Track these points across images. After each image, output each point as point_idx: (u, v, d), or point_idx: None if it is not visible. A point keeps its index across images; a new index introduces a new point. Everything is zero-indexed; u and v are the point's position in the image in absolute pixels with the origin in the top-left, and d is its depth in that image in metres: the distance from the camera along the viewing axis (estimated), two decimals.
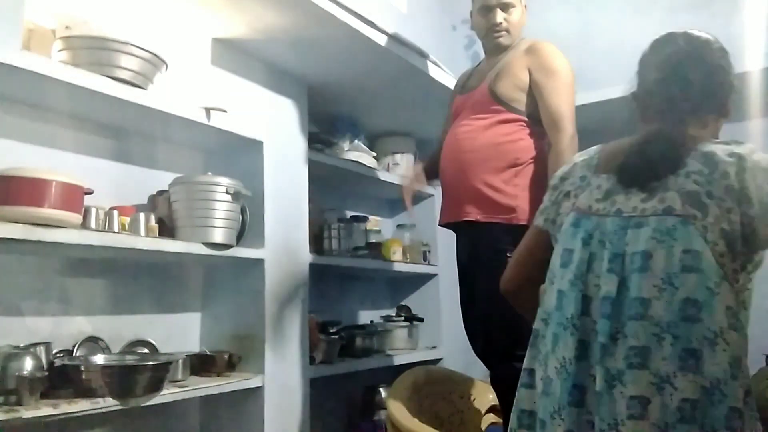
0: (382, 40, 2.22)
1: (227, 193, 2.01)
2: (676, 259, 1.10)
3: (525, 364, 1.28)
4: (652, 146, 1.21)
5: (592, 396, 1.13)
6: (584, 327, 1.16)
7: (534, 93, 1.96)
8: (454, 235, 2.12)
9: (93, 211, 1.73)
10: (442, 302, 3.20)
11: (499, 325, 1.86)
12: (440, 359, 3.10)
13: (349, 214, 3.06)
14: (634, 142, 1.25)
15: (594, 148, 1.35)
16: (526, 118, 1.97)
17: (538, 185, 1.89)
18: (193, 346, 2.23)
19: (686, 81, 1.24)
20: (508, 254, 1.83)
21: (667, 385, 1.06)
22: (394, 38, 2.28)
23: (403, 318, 3.11)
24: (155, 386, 1.70)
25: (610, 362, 1.11)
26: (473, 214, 1.95)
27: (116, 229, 1.78)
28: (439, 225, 2.14)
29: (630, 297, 1.12)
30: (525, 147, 1.95)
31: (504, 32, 2.04)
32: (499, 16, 2.02)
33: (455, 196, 2.03)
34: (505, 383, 1.84)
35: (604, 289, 1.15)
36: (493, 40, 2.06)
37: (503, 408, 1.93)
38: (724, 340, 1.07)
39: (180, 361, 1.90)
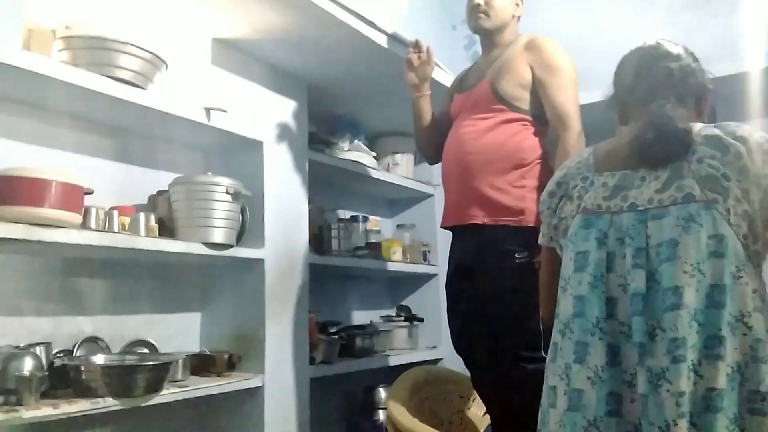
0: (382, 40, 2.22)
1: (227, 193, 2.01)
2: (703, 245, 1.09)
3: (549, 382, 1.22)
4: (657, 131, 1.19)
5: (629, 402, 1.09)
6: (612, 330, 1.13)
7: (537, 91, 1.92)
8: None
9: (93, 211, 1.73)
10: (442, 302, 3.16)
11: (507, 327, 1.83)
12: (440, 359, 3.10)
13: (349, 214, 3.06)
14: (635, 134, 1.23)
15: (585, 151, 1.35)
16: (530, 117, 1.93)
17: (546, 185, 1.88)
18: (193, 346, 2.22)
19: (663, 70, 1.25)
20: (517, 256, 1.83)
21: (692, 374, 1.04)
22: (394, 38, 2.28)
23: (403, 318, 3.11)
24: (155, 386, 1.70)
25: (651, 361, 1.07)
26: (480, 217, 1.91)
27: (116, 229, 1.78)
28: (442, 227, 2.12)
29: (662, 288, 1.09)
30: (530, 146, 1.92)
31: (482, 14, 2.00)
32: None
33: (460, 199, 1.99)
34: (514, 384, 1.82)
35: (633, 285, 1.12)
36: (473, 23, 2.04)
37: (511, 410, 1.86)
38: (744, 325, 1.06)
39: (180, 361, 1.90)
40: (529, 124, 1.94)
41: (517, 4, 2.06)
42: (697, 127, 1.20)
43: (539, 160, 1.93)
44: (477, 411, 2.54)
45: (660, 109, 1.21)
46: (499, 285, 1.85)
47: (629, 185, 1.19)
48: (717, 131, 1.16)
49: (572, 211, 1.26)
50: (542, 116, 1.94)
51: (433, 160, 2.26)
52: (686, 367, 1.04)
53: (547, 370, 1.24)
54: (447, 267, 2.12)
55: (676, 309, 1.07)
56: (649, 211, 1.14)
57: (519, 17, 2.07)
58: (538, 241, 1.40)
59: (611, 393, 1.11)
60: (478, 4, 2.00)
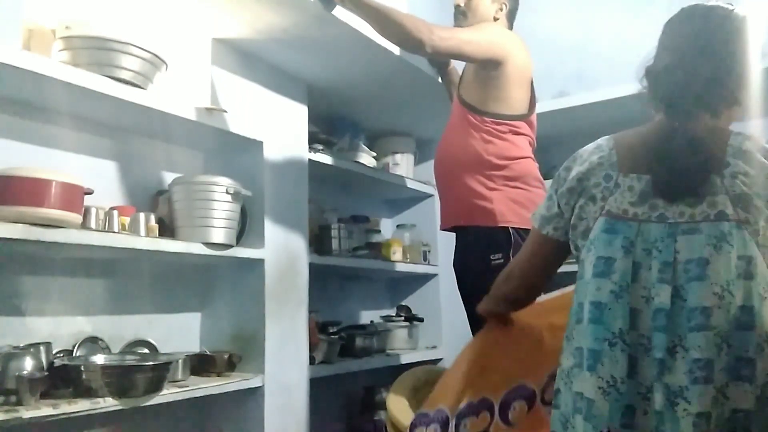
0: (382, 40, 2.22)
1: (227, 193, 2.01)
2: (733, 266, 1.06)
3: (575, 388, 1.17)
4: (681, 150, 1.13)
5: (643, 417, 1.07)
6: (633, 342, 1.09)
7: (478, 76, 1.96)
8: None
9: (93, 211, 1.73)
10: (442, 302, 3.20)
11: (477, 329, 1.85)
12: (440, 359, 3.09)
13: (349, 214, 3.06)
14: (659, 142, 1.17)
15: (604, 142, 1.26)
16: (494, 119, 1.95)
17: (515, 186, 1.91)
18: (193, 346, 2.23)
19: (692, 71, 1.17)
20: (492, 257, 1.85)
21: (720, 396, 1.03)
22: None
23: (403, 318, 3.11)
24: (155, 386, 1.70)
25: (669, 378, 1.05)
26: (458, 220, 2.00)
27: (116, 229, 1.78)
28: (441, 230, 2.17)
29: (688, 307, 1.06)
30: (498, 149, 1.94)
31: (461, 16, 2.05)
32: None
33: (445, 202, 2.09)
34: None
35: (657, 300, 1.08)
36: (454, 24, 2.08)
37: None
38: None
39: (180, 361, 1.90)
40: (495, 126, 1.95)
41: (501, 8, 2.07)
42: (730, 135, 1.16)
43: (508, 162, 1.94)
44: None
45: (686, 132, 1.14)
46: (476, 287, 1.84)
47: (656, 194, 1.15)
48: (749, 145, 1.13)
49: (595, 212, 1.19)
50: (506, 115, 1.94)
51: None
52: (710, 388, 1.02)
53: (568, 374, 1.19)
54: None
55: (702, 330, 1.04)
56: (679, 225, 1.11)
57: (500, 19, 2.08)
58: (534, 225, 1.33)
59: (627, 406, 1.08)
60: (458, 5, 2.06)
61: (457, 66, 2.30)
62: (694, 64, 1.17)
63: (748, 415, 1.02)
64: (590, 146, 1.28)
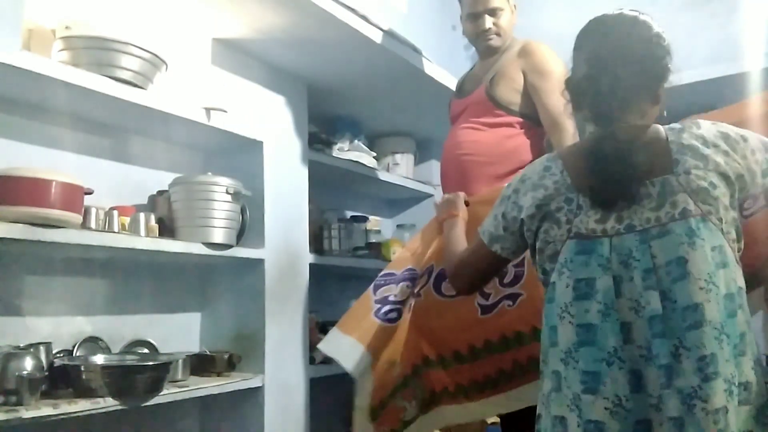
0: (382, 40, 2.22)
1: (227, 193, 2.01)
2: (710, 258, 1.09)
3: (554, 412, 1.17)
4: (612, 157, 1.16)
5: (659, 426, 1.07)
6: (631, 356, 1.10)
7: (531, 95, 1.95)
8: None
9: (93, 211, 1.73)
10: None
11: None
12: None
13: (349, 214, 3.06)
14: (589, 156, 1.19)
15: (552, 164, 1.26)
16: (525, 120, 1.96)
17: None
18: (193, 346, 2.23)
19: (613, 77, 1.18)
20: None
21: (733, 387, 1.05)
22: (394, 38, 2.28)
23: None
24: (155, 386, 1.70)
25: (680, 381, 1.05)
26: None
27: (116, 229, 1.78)
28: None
29: (679, 307, 1.07)
30: (527, 150, 1.95)
31: (494, 36, 2.04)
32: (488, 21, 2.02)
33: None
34: None
35: (649, 308, 1.09)
36: (483, 44, 2.07)
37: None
38: (747, 323, 1.12)
39: (180, 361, 1.90)
40: (525, 127, 1.97)
41: (513, 11, 2.09)
42: (661, 132, 1.19)
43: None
44: None
45: (611, 143, 1.17)
46: None
47: (620, 207, 1.16)
48: (688, 137, 1.17)
49: (562, 235, 1.19)
50: (537, 119, 1.96)
51: None
52: (721, 382, 1.04)
53: (548, 398, 1.19)
54: None
55: (699, 327, 1.06)
56: (649, 231, 1.12)
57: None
58: (484, 240, 1.35)
59: (639, 421, 1.08)
60: (489, 29, 2.03)
61: (458, 67, 2.30)
62: (615, 69, 1.18)
63: (748, 386, 1.09)
64: (538, 168, 1.28)
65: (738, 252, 1.15)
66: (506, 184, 1.36)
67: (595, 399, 1.10)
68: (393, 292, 1.73)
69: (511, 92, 1.97)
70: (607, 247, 1.14)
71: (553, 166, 1.25)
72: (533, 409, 1.28)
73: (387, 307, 1.71)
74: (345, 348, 1.68)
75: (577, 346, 1.14)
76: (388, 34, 2.24)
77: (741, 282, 1.13)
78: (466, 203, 1.73)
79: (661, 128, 1.20)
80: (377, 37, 2.19)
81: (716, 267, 1.09)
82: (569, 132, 1.87)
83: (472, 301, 1.72)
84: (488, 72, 2.04)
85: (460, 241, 1.55)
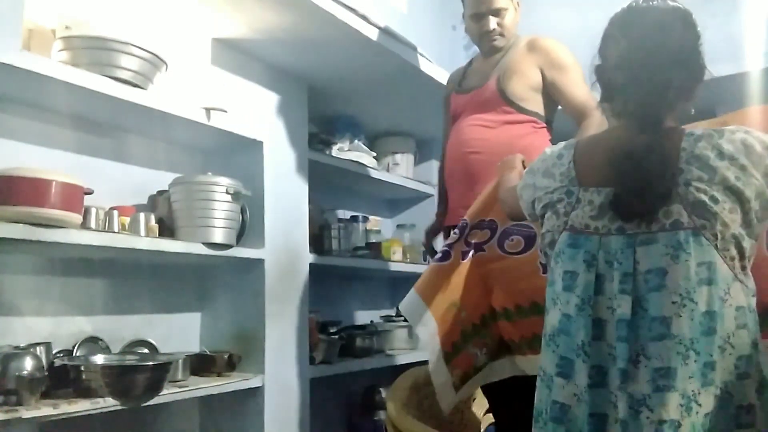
0: (382, 39, 2.22)
1: (227, 193, 2.01)
2: (693, 273, 1.07)
3: (539, 386, 1.23)
4: (647, 169, 1.11)
5: (614, 424, 1.09)
6: (599, 352, 1.12)
7: (550, 91, 1.96)
8: None
9: (93, 211, 1.73)
10: None
11: None
12: None
13: (349, 214, 3.06)
14: (620, 158, 1.16)
15: (565, 152, 1.25)
16: (536, 119, 1.96)
17: None
18: (193, 346, 2.23)
19: (665, 81, 1.15)
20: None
21: (693, 404, 1.04)
22: (394, 38, 2.28)
23: (403, 318, 3.10)
24: (155, 386, 1.70)
25: (632, 387, 1.07)
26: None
27: (116, 229, 1.78)
28: (445, 226, 2.12)
29: (649, 317, 1.08)
30: (537, 148, 1.90)
31: (498, 36, 2.02)
32: (492, 22, 2.00)
33: (464, 199, 1.97)
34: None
35: (619, 311, 1.10)
36: (487, 45, 2.04)
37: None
38: (730, 345, 1.06)
39: (180, 361, 1.90)
40: (535, 125, 1.96)
41: (516, 9, 2.07)
42: (682, 138, 1.14)
43: None
44: (477, 411, 2.54)
45: (648, 153, 1.12)
46: None
47: (638, 222, 1.14)
48: (702, 148, 1.11)
49: (558, 226, 1.22)
50: (548, 118, 1.97)
51: None
52: (675, 396, 1.04)
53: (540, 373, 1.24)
54: None
55: (663, 339, 1.06)
56: (638, 236, 1.12)
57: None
58: (518, 194, 1.38)
59: (593, 414, 1.10)
60: (494, 29, 2.01)
61: (458, 66, 2.29)
62: (654, 66, 1.15)
63: (712, 416, 1.04)
64: (555, 152, 1.28)
65: (742, 270, 1.11)
66: (535, 159, 1.36)
67: (566, 384, 1.15)
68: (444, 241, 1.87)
69: (524, 89, 1.95)
70: (596, 244, 1.15)
71: (565, 156, 1.26)
72: (528, 411, 1.29)
73: (438, 254, 1.83)
74: (407, 300, 1.81)
75: (558, 332, 1.18)
76: (388, 34, 2.24)
77: (741, 300, 1.09)
78: (524, 164, 1.73)
79: (680, 132, 1.16)
80: (377, 37, 2.19)
81: (699, 283, 1.07)
82: (598, 118, 1.80)
83: (534, 260, 1.75)
84: (494, 68, 2.01)
85: (512, 183, 1.55)
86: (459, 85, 2.16)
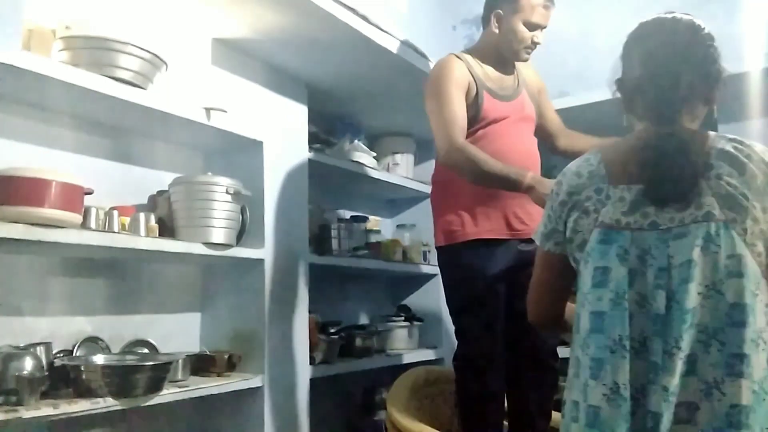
0: (382, 40, 2.22)
1: (227, 193, 2.01)
2: (722, 265, 1.09)
3: (572, 396, 1.21)
4: (673, 155, 1.16)
5: (642, 419, 1.09)
6: (635, 347, 1.12)
7: (542, 110, 2.21)
8: None
9: (93, 211, 1.73)
10: (442, 302, 3.17)
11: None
12: (440, 359, 3.09)
13: (349, 214, 3.06)
14: (649, 150, 1.19)
15: (592, 156, 1.28)
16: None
17: None
18: (193, 346, 2.22)
19: (675, 77, 1.21)
20: None
21: (714, 391, 1.05)
22: (394, 38, 2.28)
23: (403, 318, 3.11)
24: (155, 386, 1.70)
25: (667, 379, 1.08)
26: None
27: (116, 229, 1.78)
28: (491, 238, 2.00)
29: (683, 310, 1.09)
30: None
31: (531, 48, 2.07)
32: (541, 37, 2.04)
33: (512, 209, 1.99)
34: (458, 388, 2.07)
35: (654, 305, 1.11)
36: (524, 55, 2.06)
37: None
38: (764, 341, 1.08)
39: (180, 361, 1.90)
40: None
41: None
42: (709, 138, 1.19)
43: None
44: None
45: (673, 137, 1.17)
46: None
47: (647, 202, 1.17)
48: (730, 148, 1.16)
49: (589, 225, 1.22)
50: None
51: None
52: (693, 380, 1.06)
53: (570, 383, 1.23)
54: (492, 279, 2.03)
55: (690, 329, 1.08)
56: (671, 231, 1.13)
57: None
58: (537, 243, 1.37)
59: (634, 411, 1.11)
60: (539, 43, 2.05)
61: None
62: (677, 71, 1.21)
63: (745, 409, 1.04)
64: (579, 160, 1.31)
65: (767, 269, 1.13)
66: None
67: (596, 384, 1.14)
68: None
69: (534, 105, 2.16)
70: (628, 240, 1.16)
71: (592, 158, 1.28)
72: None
73: None
74: None
75: (589, 333, 1.18)
76: (388, 34, 2.25)
77: (765, 296, 1.11)
78: None
79: (706, 134, 1.21)
80: (377, 37, 2.19)
81: (728, 275, 1.09)
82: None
83: None
84: (516, 80, 2.13)
85: None
86: (492, 89, 2.06)
